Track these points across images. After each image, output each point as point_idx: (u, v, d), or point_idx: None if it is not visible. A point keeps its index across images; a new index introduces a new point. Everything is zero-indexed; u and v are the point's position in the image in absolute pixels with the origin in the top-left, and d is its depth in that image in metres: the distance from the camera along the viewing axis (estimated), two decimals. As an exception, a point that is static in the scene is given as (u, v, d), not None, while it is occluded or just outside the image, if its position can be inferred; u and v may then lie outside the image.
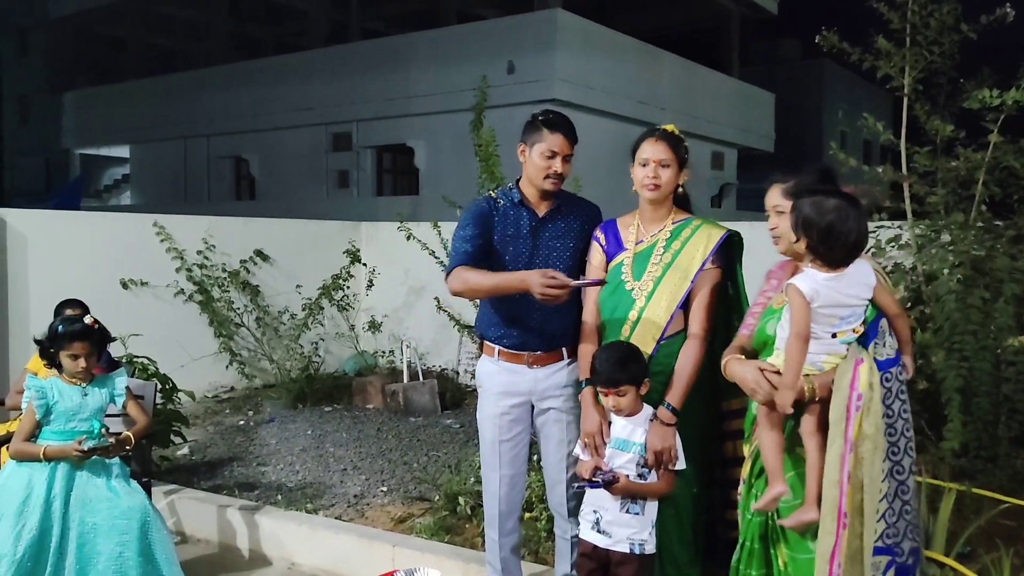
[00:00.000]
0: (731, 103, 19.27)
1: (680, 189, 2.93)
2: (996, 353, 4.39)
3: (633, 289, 2.88)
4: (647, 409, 2.79)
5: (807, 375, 2.32)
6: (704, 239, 2.86)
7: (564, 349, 3.09)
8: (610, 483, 2.71)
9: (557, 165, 2.99)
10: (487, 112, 7.38)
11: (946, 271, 4.62)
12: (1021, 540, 3.88)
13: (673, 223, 2.93)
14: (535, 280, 2.65)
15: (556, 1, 14.99)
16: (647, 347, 2.83)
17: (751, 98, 20.33)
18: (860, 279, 2.34)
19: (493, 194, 3.18)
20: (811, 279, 2.30)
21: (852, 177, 4.98)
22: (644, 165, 2.85)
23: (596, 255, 3.03)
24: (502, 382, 3.13)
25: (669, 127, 2.92)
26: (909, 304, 4.90)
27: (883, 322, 2.40)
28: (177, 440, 5.36)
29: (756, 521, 2.50)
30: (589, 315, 3.00)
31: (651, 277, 2.86)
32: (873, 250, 4.73)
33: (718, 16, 20.37)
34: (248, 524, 4.45)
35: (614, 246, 3.00)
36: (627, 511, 2.75)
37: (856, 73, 5.18)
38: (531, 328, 3.06)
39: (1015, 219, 4.78)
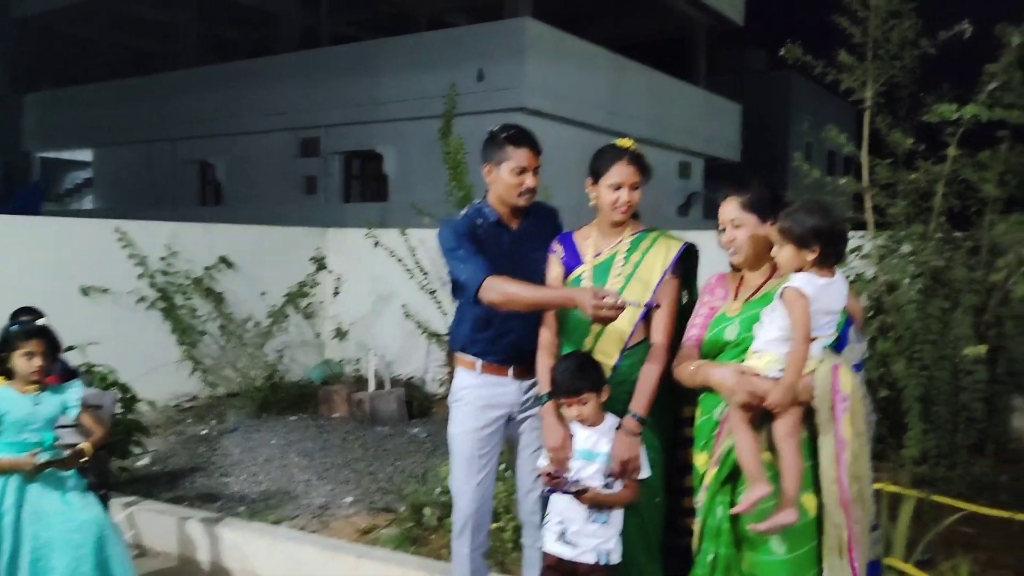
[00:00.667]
0: (698, 113, 19.45)
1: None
2: (954, 362, 4.47)
3: None
4: (610, 418, 2.80)
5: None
6: (664, 251, 2.89)
7: None
8: (580, 492, 2.70)
9: (529, 181, 3.00)
10: (457, 119, 7.37)
11: (907, 281, 4.70)
12: (979, 547, 3.95)
13: (631, 235, 2.95)
14: (587, 300, 2.58)
15: (526, 10, 15.03)
16: (611, 358, 2.84)
17: (718, 108, 20.54)
18: (843, 288, 2.44)
19: (464, 212, 3.15)
20: (810, 282, 2.37)
21: (816, 188, 5.05)
22: (616, 188, 2.85)
23: (554, 267, 3.03)
24: (485, 395, 3.12)
25: (629, 143, 2.92)
26: (871, 313, 4.97)
27: (852, 329, 2.49)
28: (137, 450, 5.28)
29: (726, 528, 2.50)
30: (547, 330, 2.99)
31: (613, 289, 2.86)
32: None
33: (685, 27, 20.56)
34: (209, 536, 4.39)
35: (572, 259, 3.00)
36: (593, 521, 2.75)
37: (821, 85, 5.25)
38: (516, 345, 3.06)
39: (972, 231, 4.87)
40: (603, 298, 2.56)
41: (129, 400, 5.22)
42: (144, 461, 5.63)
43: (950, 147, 4.74)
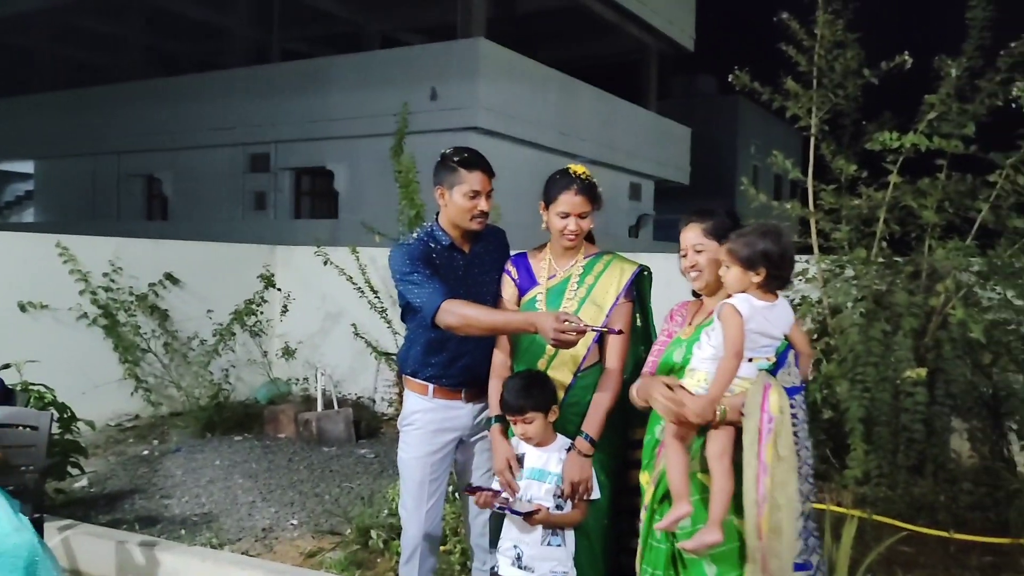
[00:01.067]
0: (649, 136, 19.73)
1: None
2: (895, 384, 4.57)
3: None
4: (561, 439, 2.80)
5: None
6: (617, 274, 2.91)
7: None
8: (530, 513, 2.69)
9: (482, 204, 3.00)
10: (409, 138, 7.37)
11: (850, 304, 4.80)
12: (919, 566, 4.03)
13: (585, 258, 2.97)
14: (547, 324, 2.55)
15: (479, 30, 15.12)
16: (565, 379, 2.86)
17: (668, 132, 20.86)
18: (785, 314, 2.47)
19: (416, 235, 3.11)
20: (748, 303, 2.39)
21: (761, 212, 5.14)
22: (564, 217, 2.86)
23: (508, 288, 3.03)
24: (437, 419, 3.10)
25: (580, 170, 2.93)
26: (816, 336, 5.07)
27: (791, 353, 2.51)
28: (74, 472, 5.12)
29: (663, 549, 2.52)
30: (501, 352, 3.00)
31: (567, 311, 2.87)
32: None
33: (637, 51, 20.89)
34: (148, 560, 4.26)
35: (526, 280, 3.01)
36: (548, 544, 2.74)
37: (768, 110, 5.37)
38: (470, 368, 3.05)
39: (913, 256, 5.00)
40: (565, 322, 2.54)
41: (67, 420, 5.06)
42: (82, 483, 5.46)
43: (891, 174, 4.86)
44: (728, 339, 2.36)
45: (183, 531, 4.67)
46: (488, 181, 3.01)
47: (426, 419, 3.10)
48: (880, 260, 4.94)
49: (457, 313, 2.79)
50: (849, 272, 5.02)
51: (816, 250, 5.21)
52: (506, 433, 2.88)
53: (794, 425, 2.41)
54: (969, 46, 4.81)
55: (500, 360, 2.98)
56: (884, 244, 5.02)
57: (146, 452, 6.42)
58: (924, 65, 4.87)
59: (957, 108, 4.77)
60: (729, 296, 2.47)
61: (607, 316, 2.85)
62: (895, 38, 5.41)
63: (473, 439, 3.15)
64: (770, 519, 2.30)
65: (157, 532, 4.66)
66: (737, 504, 2.36)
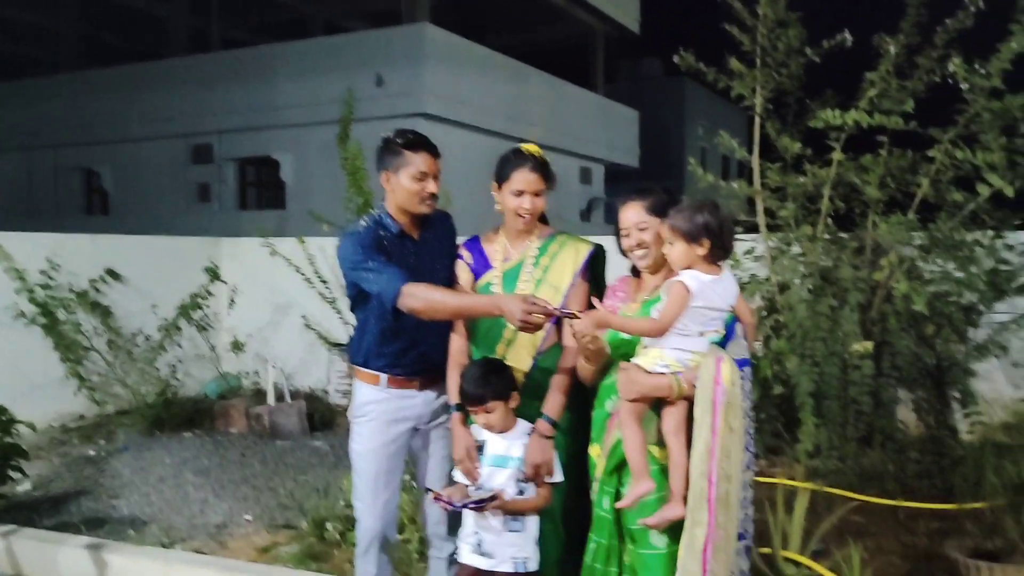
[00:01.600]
0: (597, 120, 19.76)
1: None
2: (843, 358, 4.64)
3: None
4: (522, 423, 2.78)
5: (675, 372, 2.41)
6: (573, 254, 2.90)
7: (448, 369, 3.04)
8: (488, 501, 2.66)
9: (430, 186, 2.93)
10: (356, 125, 7.25)
11: (797, 281, 4.86)
12: (869, 534, 4.12)
13: (539, 239, 2.95)
14: (515, 306, 2.52)
15: (424, 15, 14.96)
16: (524, 364, 2.84)
17: (616, 115, 20.92)
18: (731, 287, 2.50)
19: (364, 222, 3.04)
20: (696, 278, 2.41)
21: (709, 192, 5.17)
22: (518, 195, 2.84)
23: (463, 273, 3.00)
24: (391, 409, 3.04)
25: (533, 148, 2.90)
26: (765, 313, 5.13)
27: (738, 326, 2.56)
28: (16, 475, 4.96)
29: (610, 519, 2.55)
30: (459, 337, 2.96)
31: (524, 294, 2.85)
32: (731, 262, 4.92)
33: (583, 35, 20.88)
34: (96, 563, 4.15)
35: (480, 264, 2.98)
36: (509, 529, 2.73)
37: (715, 92, 5.40)
38: (424, 357, 3.01)
39: (857, 232, 5.07)
40: (532, 304, 2.52)
41: (5, 422, 4.90)
42: (24, 486, 5.30)
43: (835, 152, 4.92)
44: (666, 308, 2.38)
45: (132, 531, 4.57)
46: (435, 162, 2.95)
47: (379, 410, 3.04)
48: (826, 236, 5.00)
49: (420, 296, 2.74)
50: (796, 249, 5.08)
51: (763, 228, 5.26)
52: (466, 421, 2.85)
53: (743, 396, 2.45)
54: (907, 23, 4.88)
55: (458, 346, 2.94)
56: (829, 221, 5.08)
57: (92, 452, 6.26)
58: (864, 43, 4.93)
59: (896, 85, 4.84)
60: (675, 274, 2.48)
61: (565, 297, 2.84)
62: (836, 16, 5.48)
63: (429, 426, 3.10)
64: (718, 491, 2.33)
65: (105, 534, 4.55)
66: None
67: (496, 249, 2.98)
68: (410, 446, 3.15)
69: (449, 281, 3.00)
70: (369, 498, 3.07)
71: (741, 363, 2.48)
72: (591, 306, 2.93)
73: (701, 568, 2.31)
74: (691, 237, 2.43)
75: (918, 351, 4.86)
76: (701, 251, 2.43)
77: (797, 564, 3.56)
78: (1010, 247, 4.87)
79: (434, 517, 3.14)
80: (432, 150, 2.96)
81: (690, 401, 2.41)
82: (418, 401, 3.05)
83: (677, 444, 2.40)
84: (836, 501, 4.27)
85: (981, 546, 3.58)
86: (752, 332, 2.65)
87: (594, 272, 2.95)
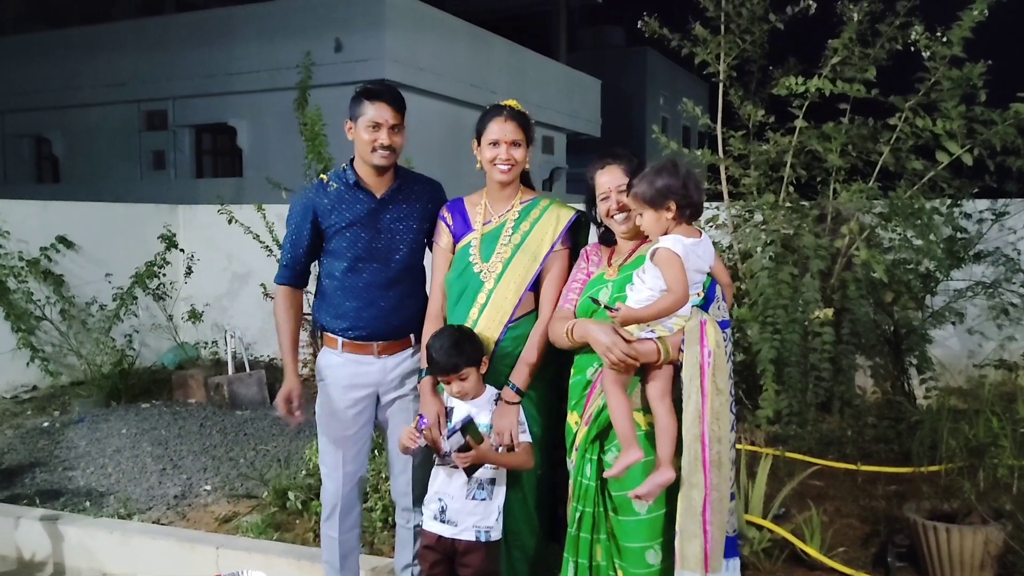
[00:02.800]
0: (559, 88, 19.65)
1: (527, 166, 2.89)
2: (804, 325, 4.69)
3: (482, 271, 2.82)
4: (490, 390, 2.76)
5: (660, 337, 2.39)
6: (553, 220, 2.83)
7: (412, 335, 3.01)
8: (466, 426, 2.59)
9: (383, 137, 2.86)
10: (315, 91, 7.11)
11: (759, 249, 4.88)
12: (829, 498, 4.18)
13: (521, 203, 2.89)
14: (281, 398, 3.03)
15: (385, -21, 14.71)
16: (495, 331, 2.79)
17: (578, 84, 20.82)
18: (709, 248, 2.47)
19: (324, 177, 3.03)
20: (679, 242, 2.37)
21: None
22: (494, 145, 2.78)
23: (443, 236, 2.95)
24: (348, 374, 3.01)
25: (513, 103, 2.85)
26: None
27: (718, 288, 2.53)
28: (-34, 448, 4.84)
29: (594, 487, 2.52)
30: (435, 302, 2.93)
31: (500, 259, 2.80)
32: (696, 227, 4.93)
33: (546, 2, 20.71)
34: (52, 536, 4.09)
35: (461, 226, 2.92)
36: (473, 498, 2.70)
37: (676, 61, 5.37)
38: (380, 318, 2.96)
39: (819, 200, 5.11)
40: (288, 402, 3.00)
41: (-45, 394, 4.77)
42: (-25, 459, 5.18)
43: (797, 119, 4.93)
44: (674, 280, 2.35)
45: (88, 503, 4.48)
46: (394, 113, 2.87)
47: (336, 374, 3.02)
48: (788, 204, 5.03)
49: (277, 305, 3.08)
50: (758, 217, 5.10)
51: (726, 196, 5.28)
52: (436, 387, 2.82)
53: (726, 357, 2.44)
54: (870, -9, 4.89)
55: (435, 310, 2.92)
56: (791, 189, 5.11)
57: (46, 424, 6.13)
58: (827, 10, 4.93)
59: (859, 52, 4.86)
60: (650, 240, 2.45)
61: (541, 264, 2.78)
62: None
63: (392, 396, 3.05)
64: (711, 453, 2.33)
65: (60, 506, 4.47)
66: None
67: (477, 211, 2.91)
68: (377, 416, 3.11)
69: (413, 245, 2.98)
70: (331, 462, 3.07)
71: (723, 324, 2.48)
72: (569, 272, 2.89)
73: (701, 529, 2.33)
74: (655, 202, 2.40)
75: (877, 318, 4.94)
76: (669, 215, 2.40)
77: (759, 528, 3.60)
78: (967, 215, 4.95)
79: (400, 488, 3.11)
80: (392, 102, 2.88)
81: (675, 365, 2.40)
82: (375, 368, 3.00)
83: (664, 409, 2.38)
84: (797, 466, 4.33)
85: (938, 508, 3.65)
86: (730, 293, 2.64)
87: (575, 239, 2.88)
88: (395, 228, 2.96)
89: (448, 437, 2.65)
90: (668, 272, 2.36)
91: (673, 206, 2.40)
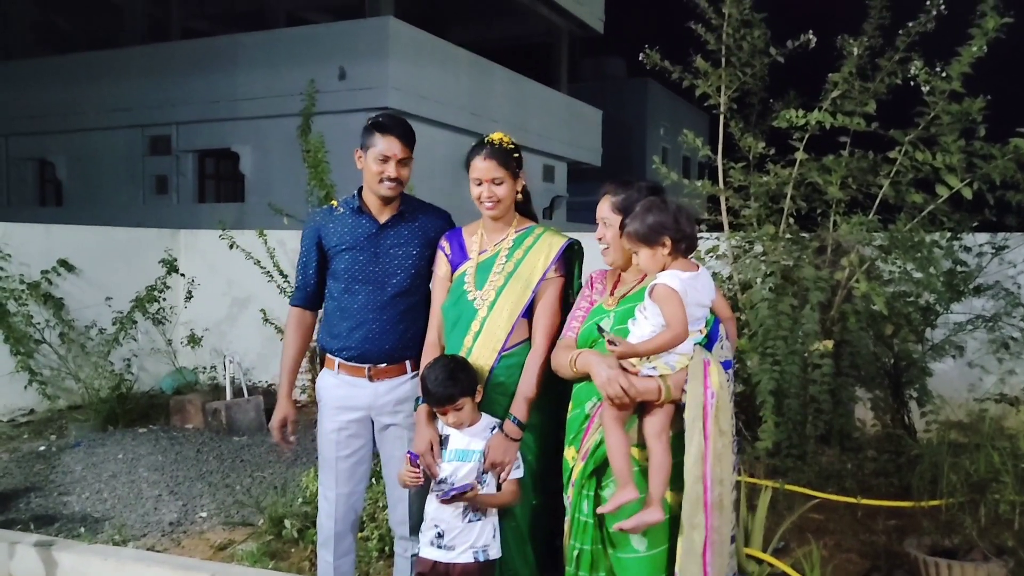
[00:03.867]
0: (560, 118, 19.78)
1: (519, 196, 2.90)
2: (804, 357, 4.68)
3: (475, 299, 2.83)
4: (486, 418, 2.74)
5: (662, 375, 2.36)
6: (546, 248, 2.84)
7: (408, 362, 3.01)
8: (464, 491, 2.63)
9: (390, 170, 2.91)
10: (318, 118, 7.17)
11: (759, 280, 4.89)
12: (828, 532, 4.15)
13: (516, 232, 2.90)
14: (276, 424, 3.09)
15: (388, 9, 14.84)
16: (488, 359, 2.78)
17: (579, 114, 20.97)
18: (708, 282, 2.45)
19: (335, 202, 3.12)
20: (677, 277, 2.36)
21: (672, 190, 5.17)
22: (478, 183, 2.81)
23: (442, 265, 2.96)
24: (340, 396, 3.02)
25: (496, 136, 2.86)
26: (727, 312, 5.14)
27: (721, 327, 2.51)
28: (-38, 471, 4.81)
29: (591, 524, 2.49)
30: (432, 331, 2.94)
31: (493, 287, 2.81)
32: (694, 260, 4.93)
33: (547, 33, 20.89)
34: (45, 561, 4.04)
35: (459, 256, 2.94)
36: (468, 520, 2.70)
37: (676, 92, 5.43)
38: (370, 340, 2.97)
39: (819, 231, 5.12)
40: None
41: (-49, 417, 4.75)
42: (-30, 483, 5.15)
43: (797, 151, 4.96)
44: (672, 316, 2.33)
45: (83, 529, 4.45)
46: (403, 148, 2.92)
47: (330, 395, 3.06)
48: (788, 236, 5.04)
49: (287, 325, 3.16)
50: (758, 248, 5.11)
51: (726, 227, 5.29)
52: (432, 415, 2.80)
53: (729, 396, 2.42)
54: (869, 25, 4.94)
55: (433, 339, 2.93)
56: (791, 220, 5.12)
57: (42, 448, 6.10)
58: (827, 44, 4.97)
59: (859, 86, 4.89)
60: (654, 276, 2.44)
61: (533, 292, 2.79)
62: (799, 17, 5.52)
63: (384, 423, 3.04)
64: (713, 495, 2.30)
65: (55, 531, 4.43)
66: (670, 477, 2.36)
67: (473, 240, 2.94)
68: (376, 442, 3.10)
69: (411, 271, 2.99)
70: (327, 484, 3.08)
71: (726, 364, 2.46)
72: (568, 300, 2.87)
73: (702, 571, 2.30)
74: (649, 240, 2.39)
75: (876, 350, 4.93)
76: (665, 250, 2.40)
77: (759, 561, 3.57)
78: (968, 249, 4.95)
79: (397, 517, 3.09)
80: (402, 136, 2.93)
81: (676, 404, 2.37)
82: (367, 391, 3.00)
83: (660, 447, 2.36)
84: (796, 499, 4.30)
85: (939, 543, 3.62)
86: (732, 326, 2.61)
87: (568, 266, 2.89)
88: (393, 253, 2.99)
89: (445, 494, 2.65)
90: (666, 308, 2.34)
91: (668, 242, 2.39)
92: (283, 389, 3.13)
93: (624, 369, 2.38)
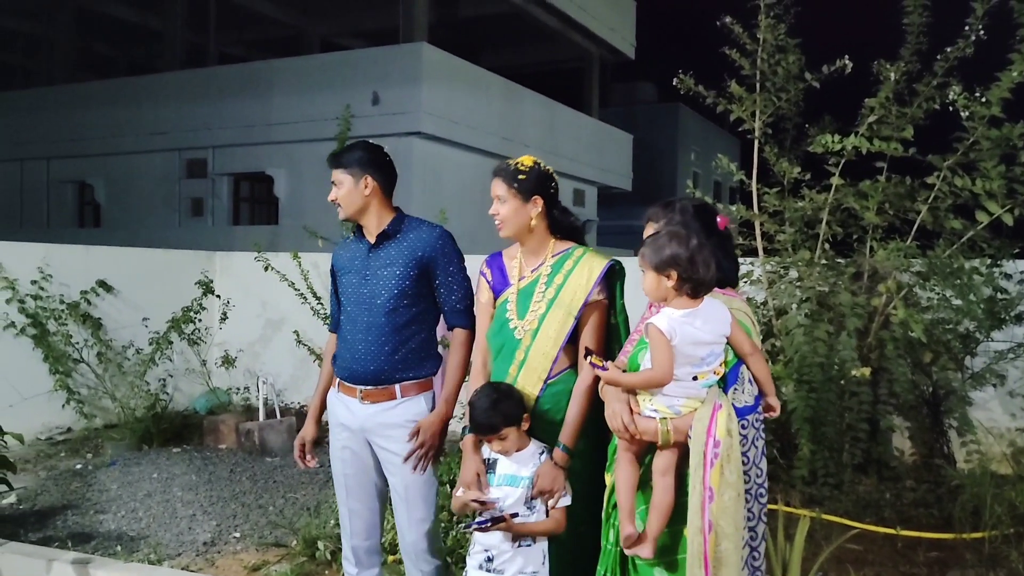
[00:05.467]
0: (591, 142, 19.85)
1: (534, 223, 2.81)
2: (840, 384, 4.62)
3: (517, 328, 2.80)
4: (535, 444, 2.72)
5: (663, 418, 2.29)
6: (586, 272, 2.78)
7: (398, 386, 2.97)
8: (497, 521, 2.61)
9: (331, 193, 3.03)
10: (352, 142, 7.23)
11: (795, 306, 4.85)
12: (867, 563, 4.07)
13: (553, 256, 2.85)
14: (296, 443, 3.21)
15: (422, 35, 15.03)
16: (534, 387, 2.75)
17: (610, 138, 21.02)
18: (716, 315, 2.33)
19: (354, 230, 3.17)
20: (667, 317, 2.29)
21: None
22: (494, 204, 2.83)
23: (484, 292, 2.93)
24: (339, 414, 3.08)
25: (517, 159, 2.85)
26: (761, 338, 5.10)
27: (743, 369, 2.40)
28: (1, 488, 4.87)
29: (614, 552, 2.47)
30: (478, 358, 2.91)
31: (535, 315, 2.77)
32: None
33: (579, 58, 21.02)
34: (82, 579, 4.08)
35: (500, 281, 2.91)
36: (519, 544, 2.67)
37: (707, 118, 5.43)
38: (357, 361, 2.98)
39: (855, 257, 5.08)
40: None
41: (-7, 434, 4.82)
42: (10, 499, 5.21)
43: (833, 176, 4.93)
44: (655, 358, 2.28)
45: (119, 547, 4.48)
46: (334, 172, 3.03)
47: (332, 413, 3.13)
48: (823, 262, 5.00)
49: (324, 351, 3.23)
50: (793, 274, 5.08)
51: (761, 252, 5.26)
52: (479, 444, 2.77)
53: (747, 445, 2.32)
54: (907, 50, 4.92)
55: (478, 369, 2.90)
56: (827, 246, 5.08)
57: (79, 466, 6.17)
58: (863, 69, 4.96)
59: (896, 111, 4.87)
60: (653, 308, 2.40)
61: (576, 318, 2.74)
62: (835, 43, 5.51)
63: (379, 446, 3.02)
64: (715, 549, 2.20)
65: (91, 549, 4.46)
66: (685, 516, 2.27)
67: (513, 265, 2.91)
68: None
69: (394, 291, 2.94)
70: (340, 498, 3.16)
71: (744, 411, 2.34)
72: (611, 321, 2.81)
73: None
74: (658, 267, 2.32)
75: (915, 378, 4.85)
76: (669, 283, 2.31)
77: (796, 592, 3.51)
78: (1008, 276, 4.88)
79: (408, 541, 3.08)
80: (334, 161, 3.05)
81: (681, 447, 2.29)
82: (360, 413, 2.99)
83: (661, 486, 2.30)
84: (833, 529, 4.23)
85: (982, 576, 3.55)
86: (759, 363, 2.43)
87: (611, 288, 2.83)
88: (380, 274, 2.98)
89: (478, 523, 2.64)
90: (653, 349, 2.29)
91: (674, 275, 2.30)
92: (311, 412, 3.21)
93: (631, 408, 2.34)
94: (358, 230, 3.08)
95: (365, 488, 3.09)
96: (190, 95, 16.30)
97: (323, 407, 3.21)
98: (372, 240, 3.02)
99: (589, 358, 2.39)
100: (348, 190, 2.97)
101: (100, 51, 22.28)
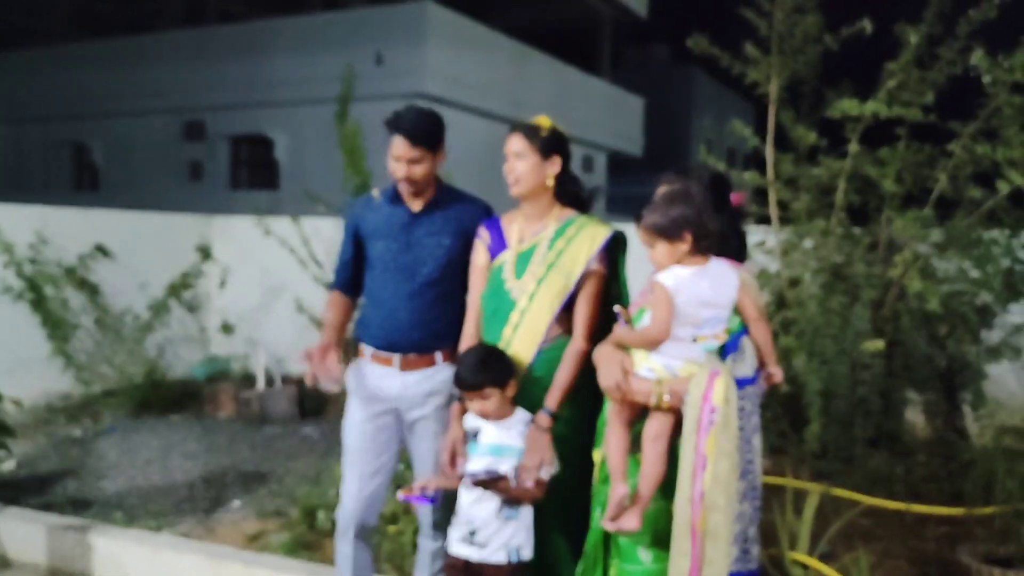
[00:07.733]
0: (602, 106, 19.52)
1: (550, 183, 2.78)
2: (853, 357, 4.52)
3: (513, 289, 2.75)
4: (521, 412, 2.67)
5: (659, 380, 2.22)
6: (588, 240, 2.75)
7: (439, 353, 2.94)
8: (495, 480, 2.55)
9: (400, 171, 2.84)
10: (355, 104, 7.08)
11: (808, 276, 4.74)
12: (876, 538, 4.01)
13: (558, 221, 2.81)
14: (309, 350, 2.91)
15: (426, -6, 14.75)
16: (528, 352, 2.71)
17: (621, 102, 20.67)
18: (724, 279, 2.26)
19: (376, 192, 3.08)
20: (674, 274, 2.21)
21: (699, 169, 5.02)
22: (507, 161, 2.76)
23: (480, 254, 2.89)
24: (370, 386, 2.98)
25: (536, 119, 2.79)
26: (773, 308, 5.00)
27: (744, 339, 2.34)
28: (1, 453, 4.82)
29: (599, 530, 2.41)
30: (470, 322, 2.87)
31: (533, 277, 2.73)
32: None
33: (589, 19, 20.59)
34: (81, 545, 4.04)
35: (498, 245, 2.86)
36: (506, 518, 2.62)
37: (721, 82, 5.27)
38: (399, 330, 2.92)
39: (871, 226, 4.95)
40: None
41: (-9, 399, 4.75)
42: (9, 465, 5.16)
43: (851, 143, 4.78)
44: (655, 314, 2.20)
45: (119, 514, 4.44)
46: (409, 148, 2.80)
47: (361, 384, 3.02)
48: (839, 231, 4.87)
49: (325, 307, 3.16)
50: (808, 243, 4.95)
51: (775, 221, 5.13)
52: (461, 412, 2.75)
53: (743, 417, 2.24)
54: (929, 13, 4.73)
55: (470, 330, 2.86)
56: (843, 215, 4.95)
57: (78, 432, 6.12)
58: (884, 32, 4.79)
59: (916, 76, 4.71)
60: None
61: (574, 285, 2.71)
62: (855, 3, 5.33)
63: (413, 417, 2.97)
64: (706, 521, 2.11)
65: (91, 515, 4.43)
66: (674, 490, 2.19)
67: (514, 229, 2.85)
68: (403, 435, 3.05)
69: (442, 260, 2.92)
70: (349, 475, 3.03)
71: (743, 382, 2.26)
72: (613, 293, 2.78)
73: None
74: (671, 234, 2.21)
75: (930, 351, 4.75)
76: (685, 247, 2.21)
77: (805, 567, 3.45)
78: (1028, 247, 4.76)
79: (423, 509, 3.06)
80: (409, 135, 2.80)
81: (675, 412, 2.21)
82: (395, 382, 2.94)
83: (651, 453, 2.21)
84: (843, 503, 4.16)
85: (994, 552, 3.48)
86: (763, 331, 2.36)
87: (612, 259, 2.78)
88: (425, 242, 2.93)
89: (476, 475, 2.59)
90: (654, 305, 2.22)
91: (689, 238, 2.20)
92: (328, 336, 3.02)
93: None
94: (393, 194, 2.97)
95: (381, 465, 3.03)
96: (189, 55, 16.05)
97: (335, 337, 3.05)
98: (415, 207, 2.94)
99: (618, 311, 2.30)
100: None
101: (98, 9, 21.87)
